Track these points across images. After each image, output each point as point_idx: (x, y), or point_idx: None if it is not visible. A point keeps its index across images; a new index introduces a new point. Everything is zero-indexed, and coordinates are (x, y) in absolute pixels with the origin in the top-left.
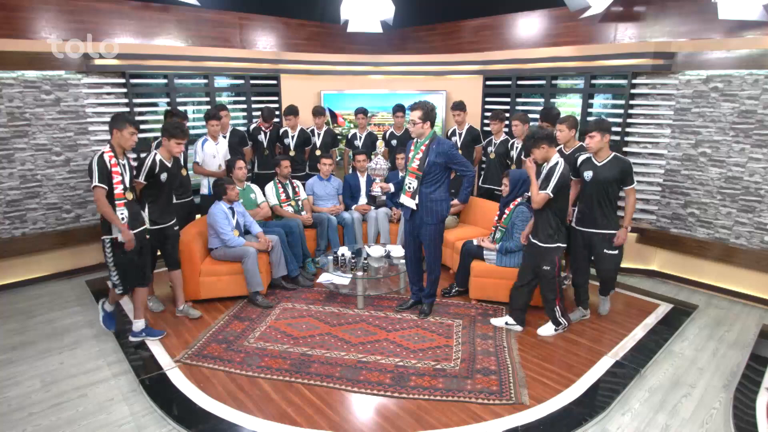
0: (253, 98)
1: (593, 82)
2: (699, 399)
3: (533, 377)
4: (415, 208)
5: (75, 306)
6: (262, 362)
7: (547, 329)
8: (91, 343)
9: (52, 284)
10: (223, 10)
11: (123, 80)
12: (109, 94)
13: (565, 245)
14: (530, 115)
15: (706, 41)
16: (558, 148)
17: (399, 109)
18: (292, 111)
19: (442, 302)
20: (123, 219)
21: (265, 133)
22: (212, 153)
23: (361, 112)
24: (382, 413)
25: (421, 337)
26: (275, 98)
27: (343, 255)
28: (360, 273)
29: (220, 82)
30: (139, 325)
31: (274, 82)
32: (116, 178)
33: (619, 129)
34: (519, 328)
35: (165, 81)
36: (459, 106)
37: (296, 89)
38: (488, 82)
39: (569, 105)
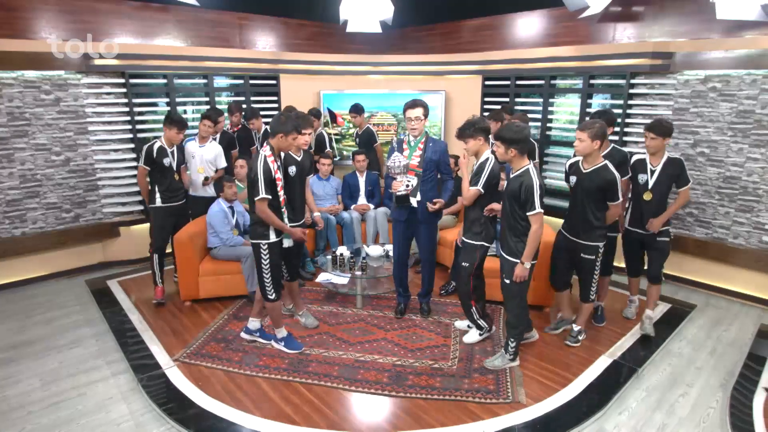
0: (252, 98)
1: (592, 82)
2: (696, 398)
3: (530, 376)
4: (416, 205)
5: (74, 305)
6: (260, 361)
7: (471, 336)
8: (90, 342)
9: (52, 284)
10: (223, 10)
11: (122, 80)
12: (108, 94)
13: (489, 245)
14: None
15: (705, 41)
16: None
17: (358, 109)
18: (254, 113)
19: (441, 302)
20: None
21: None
22: (192, 152)
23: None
24: (380, 412)
25: (419, 337)
26: (275, 98)
27: (341, 254)
28: (359, 272)
29: (220, 82)
30: (282, 332)
31: (274, 82)
32: (279, 184)
33: (617, 129)
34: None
35: (164, 81)
36: (500, 117)
37: (296, 89)
38: (487, 82)
39: (568, 105)
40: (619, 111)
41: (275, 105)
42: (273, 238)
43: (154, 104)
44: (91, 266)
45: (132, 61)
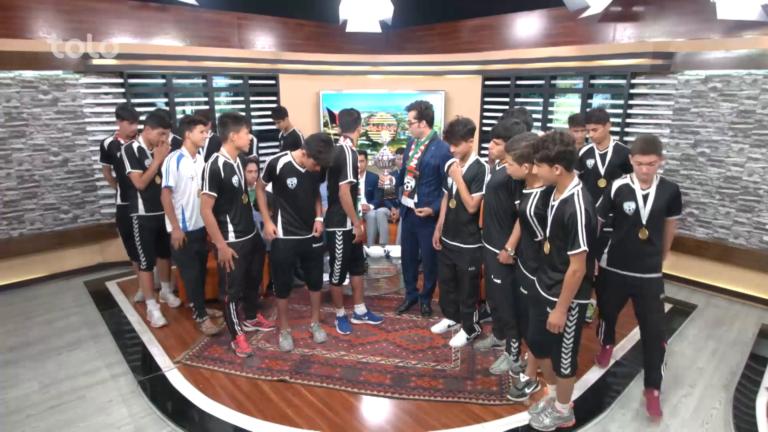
0: (251, 98)
1: (592, 82)
2: (699, 399)
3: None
4: (413, 207)
5: (73, 307)
6: (262, 363)
7: (459, 339)
8: (90, 344)
9: (50, 285)
10: (222, 10)
11: (121, 80)
12: (107, 94)
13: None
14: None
15: (705, 41)
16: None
17: (281, 113)
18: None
19: None
20: (360, 214)
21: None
22: (190, 174)
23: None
24: (383, 414)
25: (420, 338)
26: (274, 98)
27: None
28: None
29: (219, 82)
30: (361, 309)
31: (273, 82)
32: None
33: (618, 129)
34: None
35: (163, 81)
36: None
37: (295, 89)
38: (487, 82)
39: (568, 105)
40: (620, 111)
41: (274, 105)
42: (348, 226)
43: (153, 104)
44: (90, 267)
45: (130, 61)
